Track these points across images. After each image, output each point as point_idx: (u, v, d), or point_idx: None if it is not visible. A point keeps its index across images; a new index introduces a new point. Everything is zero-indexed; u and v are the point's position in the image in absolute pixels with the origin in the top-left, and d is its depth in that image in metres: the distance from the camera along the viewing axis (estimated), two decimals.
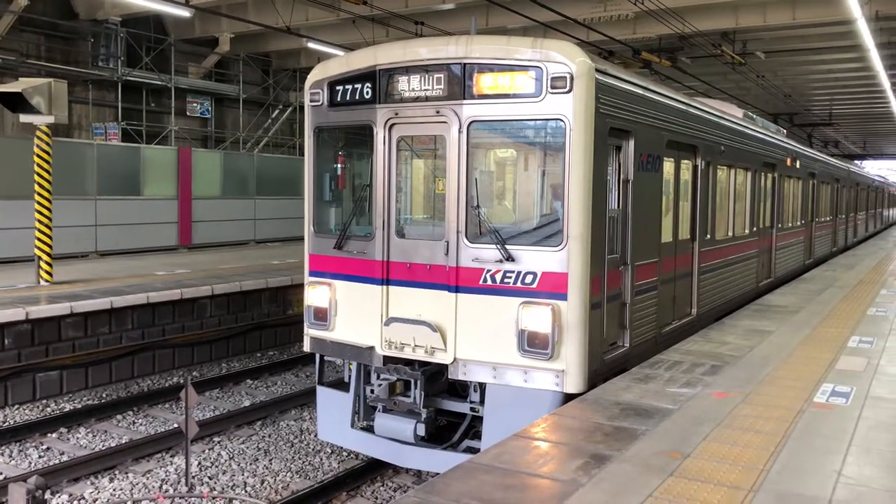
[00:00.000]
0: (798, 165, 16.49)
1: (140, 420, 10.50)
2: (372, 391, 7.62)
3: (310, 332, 8.14)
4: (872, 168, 60.43)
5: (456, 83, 7.01)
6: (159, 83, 24.31)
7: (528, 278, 6.79)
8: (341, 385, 8.32)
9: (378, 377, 7.58)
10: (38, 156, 13.47)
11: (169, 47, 24.55)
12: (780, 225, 14.91)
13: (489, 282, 6.93)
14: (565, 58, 6.64)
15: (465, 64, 6.96)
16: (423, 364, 7.32)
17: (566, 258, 6.69)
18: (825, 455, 5.17)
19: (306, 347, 8.24)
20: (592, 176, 6.76)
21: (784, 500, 4.41)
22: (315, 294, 8.01)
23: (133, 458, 8.86)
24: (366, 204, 7.83)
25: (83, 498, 7.85)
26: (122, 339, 12.41)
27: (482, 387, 7.17)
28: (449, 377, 7.24)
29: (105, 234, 19.36)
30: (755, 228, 13.00)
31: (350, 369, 8.04)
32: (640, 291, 7.98)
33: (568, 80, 6.58)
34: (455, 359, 7.12)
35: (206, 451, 9.20)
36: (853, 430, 5.71)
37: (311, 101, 8.02)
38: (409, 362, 7.40)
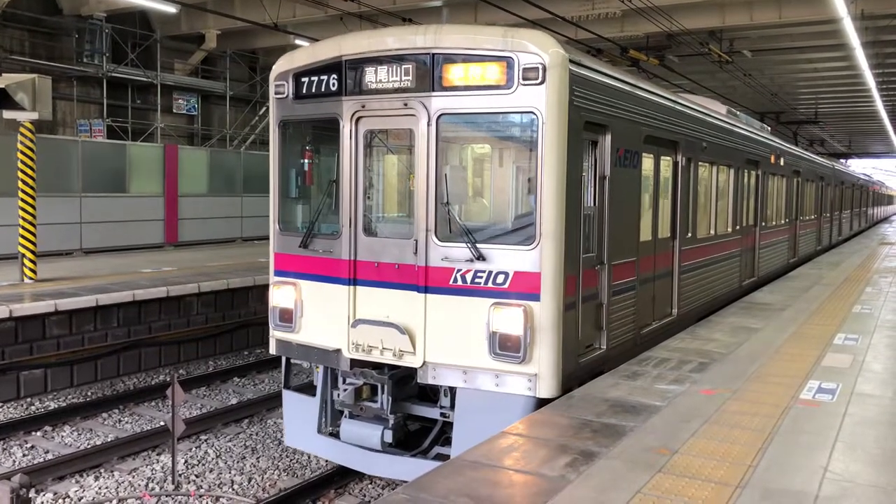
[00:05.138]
0: (782, 163, 16.41)
1: (126, 418, 10.42)
2: (339, 395, 7.43)
3: (275, 333, 7.84)
4: (857, 166, 60.90)
5: (424, 74, 6.73)
6: (145, 80, 24.16)
7: (500, 278, 6.55)
8: (310, 389, 8.03)
9: (344, 381, 7.36)
10: (23, 152, 13.34)
11: (155, 44, 24.40)
12: (763, 223, 14.74)
13: (459, 282, 6.67)
14: (538, 48, 6.39)
15: (433, 54, 6.69)
16: (392, 367, 7.08)
17: (539, 257, 6.45)
18: (812, 451, 5.20)
19: (272, 350, 7.96)
20: (566, 172, 6.53)
21: (771, 495, 4.43)
22: (280, 294, 7.72)
23: (119, 456, 8.80)
24: (332, 200, 7.52)
25: (68, 496, 7.79)
26: (108, 337, 12.32)
27: (453, 391, 6.91)
28: (418, 381, 7.00)
29: (90, 232, 19.21)
30: (738, 227, 12.79)
31: (318, 373, 7.79)
32: (617, 291, 7.76)
33: (540, 71, 6.33)
34: (424, 362, 6.86)
35: (193, 449, 9.15)
36: (839, 427, 5.74)
37: (276, 93, 7.74)
38: (377, 365, 7.16)
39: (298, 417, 7.84)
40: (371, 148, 7.38)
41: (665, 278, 9.42)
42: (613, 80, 7.59)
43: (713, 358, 7.91)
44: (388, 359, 6.98)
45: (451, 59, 6.63)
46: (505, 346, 6.49)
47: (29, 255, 13.54)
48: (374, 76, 6.97)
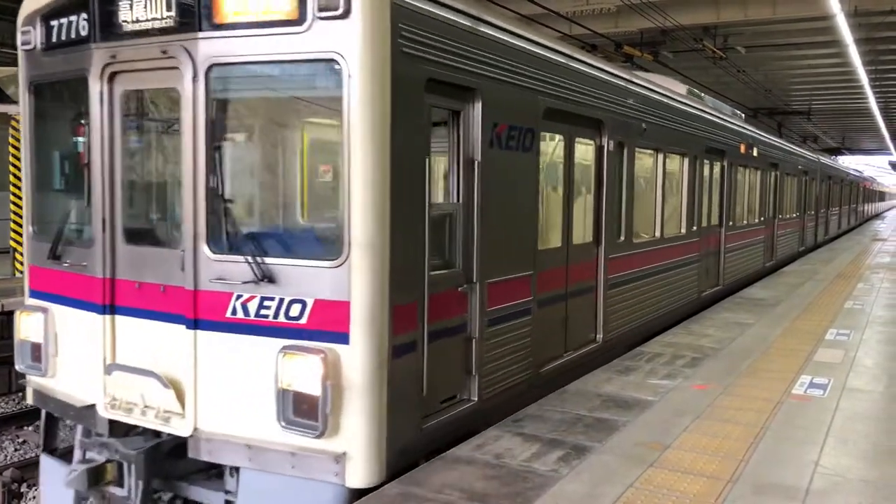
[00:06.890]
0: (756, 153, 14.50)
1: None
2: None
3: (29, 378, 5.80)
4: (850, 163, 61.13)
5: (189, 8, 4.70)
6: None
7: (295, 309, 4.55)
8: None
9: (84, 455, 5.32)
10: (13, 146, 13.28)
11: None
12: (731, 223, 12.80)
13: (240, 314, 4.67)
14: None
15: None
16: (172, 435, 4.98)
17: (346, 278, 4.44)
18: (803, 446, 5.22)
19: (28, 399, 6.01)
20: (392, 151, 4.55)
21: (762, 490, 4.45)
22: (28, 323, 5.64)
23: None
24: (86, 194, 5.40)
25: None
26: None
27: (239, 472, 4.87)
28: (190, 456, 4.90)
29: None
30: (695, 228, 10.85)
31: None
32: (498, 319, 5.80)
33: None
34: (196, 430, 4.80)
35: None
36: (830, 421, 5.77)
37: (23, 43, 5.79)
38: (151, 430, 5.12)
39: (56, 492, 5.67)
40: (131, 116, 5.34)
41: (584, 295, 7.48)
42: (481, 23, 5.47)
43: (706, 353, 7.94)
44: (150, 421, 4.94)
45: None
46: (300, 411, 4.47)
47: (20, 248, 13.49)
48: (130, 13, 4.95)
